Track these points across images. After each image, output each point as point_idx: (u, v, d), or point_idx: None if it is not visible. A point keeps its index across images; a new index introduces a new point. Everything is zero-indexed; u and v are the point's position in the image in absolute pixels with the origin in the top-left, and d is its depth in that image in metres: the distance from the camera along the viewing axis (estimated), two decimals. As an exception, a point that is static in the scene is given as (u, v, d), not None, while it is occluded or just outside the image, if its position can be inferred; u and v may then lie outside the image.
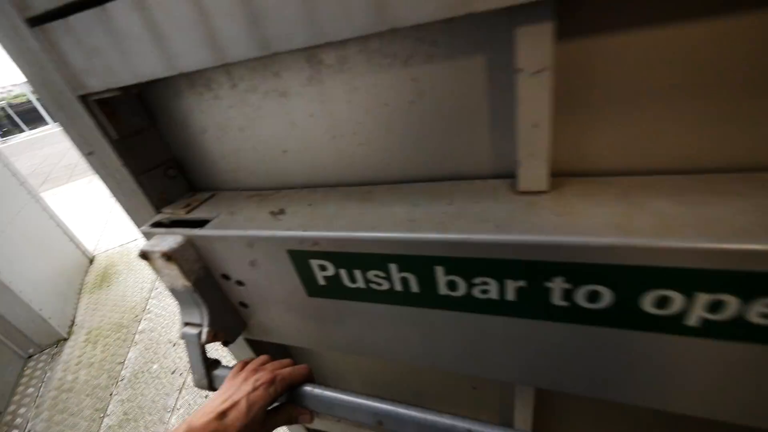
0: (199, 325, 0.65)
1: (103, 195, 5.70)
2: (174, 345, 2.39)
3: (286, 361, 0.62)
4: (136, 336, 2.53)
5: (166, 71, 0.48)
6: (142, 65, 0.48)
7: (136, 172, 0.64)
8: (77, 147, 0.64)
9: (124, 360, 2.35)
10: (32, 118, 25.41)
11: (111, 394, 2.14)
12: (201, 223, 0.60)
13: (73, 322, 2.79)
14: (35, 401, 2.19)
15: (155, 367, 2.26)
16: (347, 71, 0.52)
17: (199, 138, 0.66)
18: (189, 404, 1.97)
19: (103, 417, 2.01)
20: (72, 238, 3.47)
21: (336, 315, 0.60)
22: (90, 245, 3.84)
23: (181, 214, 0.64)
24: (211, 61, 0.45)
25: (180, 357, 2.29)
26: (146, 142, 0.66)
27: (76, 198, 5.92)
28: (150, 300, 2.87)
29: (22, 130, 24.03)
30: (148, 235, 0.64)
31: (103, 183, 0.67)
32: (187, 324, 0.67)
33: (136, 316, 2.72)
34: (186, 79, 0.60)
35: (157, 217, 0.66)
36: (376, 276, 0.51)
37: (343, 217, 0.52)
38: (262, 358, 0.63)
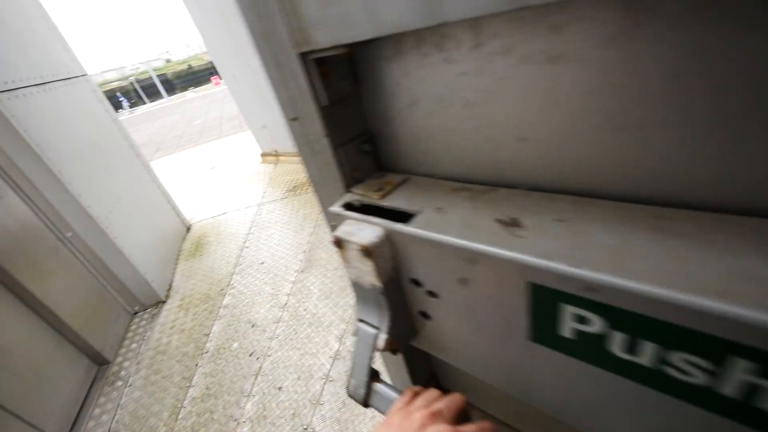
0: (376, 328, 0.58)
1: (203, 166, 6.25)
2: (253, 326, 2.42)
3: (460, 399, 0.48)
4: (221, 310, 2.63)
5: (424, 20, 0.34)
6: (391, 13, 0.36)
7: (335, 143, 0.55)
8: (282, 111, 0.58)
9: (209, 333, 2.46)
10: (152, 92, 29.68)
11: (196, 365, 2.23)
12: (403, 217, 0.48)
13: (170, 286, 3.02)
14: (137, 357, 2.40)
15: (235, 345, 2.31)
16: (702, 23, 0.25)
17: (405, 110, 0.54)
18: (263, 392, 1.95)
19: (189, 387, 2.10)
20: (174, 207, 3.78)
21: (567, 376, 0.42)
22: (187, 214, 4.18)
23: (373, 198, 0.55)
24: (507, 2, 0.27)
25: (257, 340, 2.31)
26: (348, 110, 0.57)
27: (179, 167, 6.60)
28: (234, 276, 2.98)
29: (144, 103, 28.25)
30: (335, 217, 0.57)
31: (299, 152, 0.62)
32: (361, 321, 0.60)
33: (222, 290, 2.85)
34: (413, 36, 0.46)
35: (347, 198, 0.58)
36: (690, 364, 0.30)
37: (639, 258, 0.31)
38: (434, 393, 0.51)
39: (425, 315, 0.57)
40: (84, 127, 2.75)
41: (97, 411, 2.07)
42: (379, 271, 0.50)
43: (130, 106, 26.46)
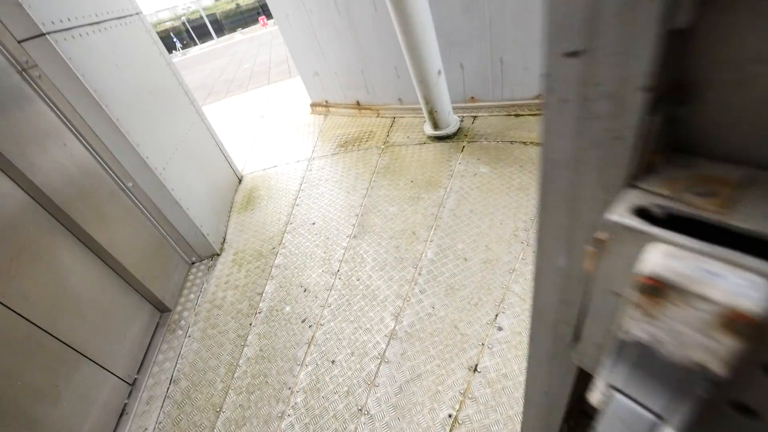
0: (657, 416, 0.35)
1: (253, 114, 6.16)
2: (305, 291, 2.36)
3: None
4: (273, 270, 2.60)
5: None
6: None
7: (654, 101, 0.29)
8: (550, 38, 0.31)
9: (262, 292, 2.45)
10: (202, 33, 29.72)
11: (251, 324, 2.24)
12: None
13: (224, 239, 3.04)
14: (195, 309, 2.47)
15: (287, 309, 2.27)
16: None
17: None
18: (316, 363, 1.91)
19: (244, 346, 2.13)
20: (227, 158, 3.74)
21: None
22: (239, 165, 4.15)
23: (706, 209, 0.29)
24: None
25: (309, 306, 2.25)
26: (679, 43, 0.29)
27: (229, 114, 6.56)
28: (285, 234, 2.92)
29: (195, 44, 28.49)
30: (621, 231, 0.32)
31: (545, 109, 0.35)
32: (623, 394, 0.37)
33: (273, 248, 2.81)
34: None
35: (635, 198, 0.33)
36: None
37: None
38: None
39: (750, 412, 0.35)
40: (139, 71, 2.63)
41: (160, 357, 2.18)
42: (738, 356, 0.28)
43: (182, 47, 26.79)
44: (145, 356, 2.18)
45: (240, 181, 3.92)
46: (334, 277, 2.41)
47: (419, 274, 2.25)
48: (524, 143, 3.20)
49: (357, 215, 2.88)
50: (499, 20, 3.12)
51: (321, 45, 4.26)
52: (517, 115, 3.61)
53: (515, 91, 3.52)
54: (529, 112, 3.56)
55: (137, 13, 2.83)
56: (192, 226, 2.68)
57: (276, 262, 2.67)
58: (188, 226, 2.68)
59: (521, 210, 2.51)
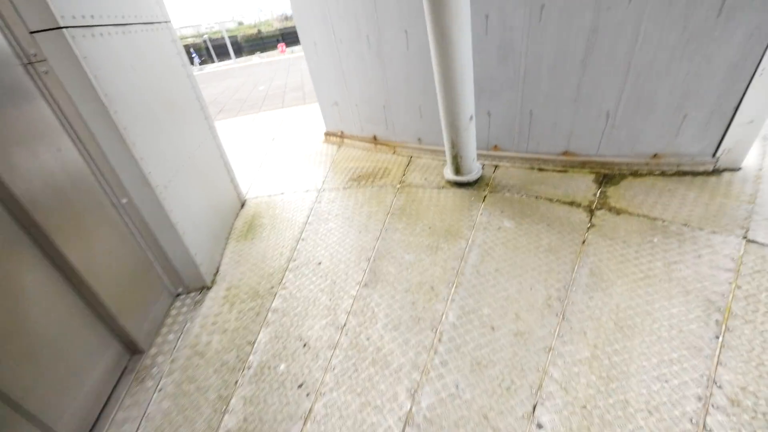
0: None
1: (264, 135, 6.01)
2: (305, 346, 2.03)
3: None
4: (269, 314, 2.28)
5: None
6: None
7: None
8: None
9: (254, 341, 2.11)
10: (221, 52, 30.67)
11: (236, 383, 1.89)
12: None
13: (217, 270, 2.72)
14: (172, 354, 2.11)
15: (282, 368, 1.93)
16: None
17: None
18: (313, 447, 1.55)
19: (225, 411, 1.76)
20: (232, 179, 3.49)
21: None
22: (243, 187, 3.90)
23: None
24: None
25: (308, 367, 1.91)
26: None
27: (239, 133, 6.41)
28: (287, 273, 2.61)
29: (213, 61, 29.35)
30: None
31: None
32: None
33: (272, 287, 2.49)
34: None
35: None
36: None
37: None
38: None
39: None
40: (158, 80, 2.44)
41: (120, 415, 1.79)
42: None
43: (200, 63, 27.51)
44: (101, 413, 1.79)
45: (242, 205, 3.65)
46: (339, 332, 2.09)
47: (439, 341, 1.95)
48: (550, 200, 3.02)
49: (368, 259, 2.61)
50: (535, 72, 3.05)
51: (345, 76, 4.19)
52: (540, 170, 3.47)
53: (540, 144, 3.41)
54: (553, 168, 3.42)
55: (166, 22, 2.70)
56: (185, 253, 2.38)
57: (274, 305, 2.35)
58: (181, 252, 2.37)
59: (552, 275, 2.26)
